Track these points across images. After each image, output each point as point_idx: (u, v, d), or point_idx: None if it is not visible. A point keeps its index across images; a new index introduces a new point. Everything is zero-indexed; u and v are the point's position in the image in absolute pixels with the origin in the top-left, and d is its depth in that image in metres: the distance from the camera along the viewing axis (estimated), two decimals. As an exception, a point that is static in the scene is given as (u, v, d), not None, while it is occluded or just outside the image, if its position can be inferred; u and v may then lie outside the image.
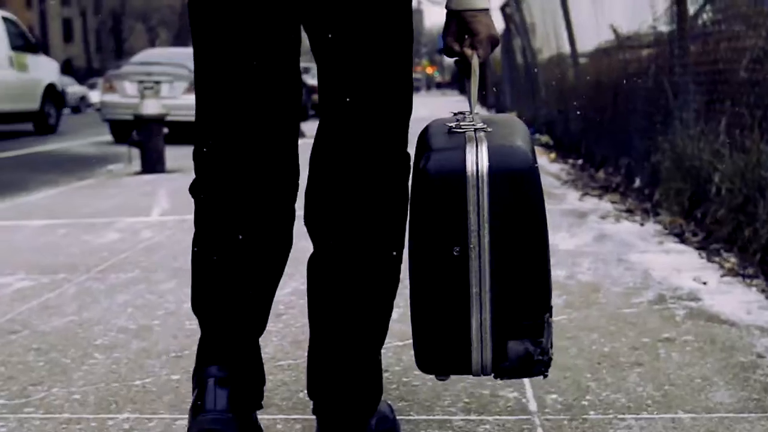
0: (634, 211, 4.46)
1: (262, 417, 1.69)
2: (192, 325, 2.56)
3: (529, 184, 1.30)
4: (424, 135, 1.44)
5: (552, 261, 3.31)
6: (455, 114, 1.48)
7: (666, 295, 2.78)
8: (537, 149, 6.16)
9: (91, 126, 15.01)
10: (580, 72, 7.82)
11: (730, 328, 2.40)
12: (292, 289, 2.91)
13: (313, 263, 1.57)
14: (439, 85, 76.34)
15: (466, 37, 1.49)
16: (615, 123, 6.08)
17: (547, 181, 5.93)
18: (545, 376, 1.41)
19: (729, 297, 2.73)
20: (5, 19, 13.21)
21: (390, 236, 1.52)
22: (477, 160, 1.29)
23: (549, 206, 4.34)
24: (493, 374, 1.37)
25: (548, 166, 7.06)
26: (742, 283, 2.91)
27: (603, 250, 3.53)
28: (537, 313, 1.32)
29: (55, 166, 8.77)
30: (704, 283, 2.91)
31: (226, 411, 1.47)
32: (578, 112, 7.60)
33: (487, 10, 1.48)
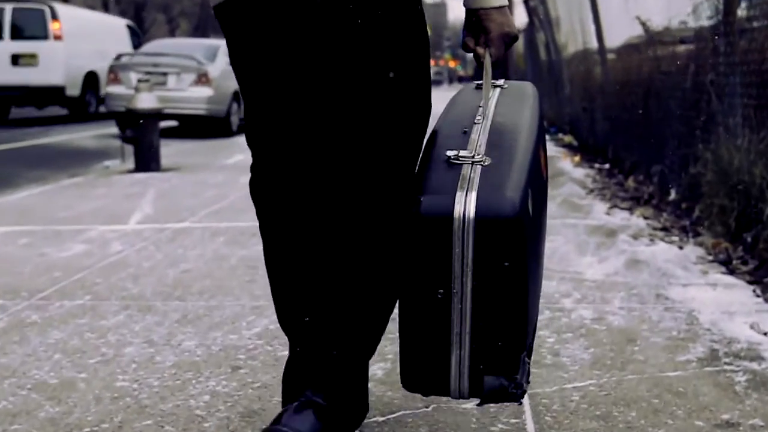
0: (671, 230, 3.91)
1: None
2: (124, 383, 2.06)
3: (513, 233, 1.30)
4: (426, 160, 1.43)
5: (577, 295, 2.82)
6: (477, 86, 1.66)
7: (719, 350, 2.23)
8: (560, 151, 5.49)
9: (100, 117, 14.61)
10: (608, 69, 7.24)
11: (809, 407, 1.86)
12: (261, 329, 2.41)
13: None
14: (461, 79, 75.58)
15: (481, 34, 1.48)
16: (646, 126, 5.50)
17: (571, 190, 5.37)
18: (520, 403, 1.50)
19: (799, 355, 2.19)
20: (128, 26, 17.23)
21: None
22: (465, 209, 1.30)
23: (573, 220, 3.58)
24: (470, 398, 1.42)
25: (572, 171, 6.50)
26: (812, 334, 2.36)
27: (637, 282, 2.98)
28: (513, 353, 1.35)
29: (49, 161, 8.30)
30: (765, 334, 2.36)
31: None
32: (605, 112, 7.04)
33: (501, 7, 1.46)
